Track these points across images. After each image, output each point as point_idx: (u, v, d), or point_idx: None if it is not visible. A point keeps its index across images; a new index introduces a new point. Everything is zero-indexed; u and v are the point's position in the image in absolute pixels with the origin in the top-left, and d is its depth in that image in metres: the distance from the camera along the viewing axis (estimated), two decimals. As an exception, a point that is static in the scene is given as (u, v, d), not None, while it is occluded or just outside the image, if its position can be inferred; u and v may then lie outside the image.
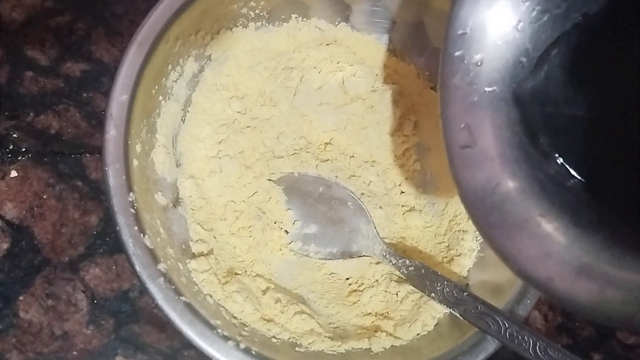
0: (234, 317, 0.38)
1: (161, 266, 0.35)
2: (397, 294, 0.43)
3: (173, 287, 0.35)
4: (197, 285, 0.39)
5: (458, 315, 0.38)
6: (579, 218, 0.27)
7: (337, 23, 0.48)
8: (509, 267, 0.27)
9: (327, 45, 0.48)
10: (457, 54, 0.28)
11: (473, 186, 0.28)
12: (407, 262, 0.41)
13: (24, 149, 0.46)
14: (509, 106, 0.28)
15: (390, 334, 0.41)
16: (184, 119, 0.44)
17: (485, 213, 0.27)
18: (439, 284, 0.39)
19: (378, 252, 0.42)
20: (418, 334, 0.41)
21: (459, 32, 0.28)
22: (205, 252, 0.41)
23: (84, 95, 0.48)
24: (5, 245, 0.43)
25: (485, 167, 0.27)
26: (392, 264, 0.41)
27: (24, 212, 0.44)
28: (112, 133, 0.36)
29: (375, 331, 0.41)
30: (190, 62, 0.44)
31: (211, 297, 0.39)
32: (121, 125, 0.36)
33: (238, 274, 0.41)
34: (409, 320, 0.42)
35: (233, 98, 0.45)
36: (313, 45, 0.47)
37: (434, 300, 0.39)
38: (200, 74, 0.45)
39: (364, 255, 0.43)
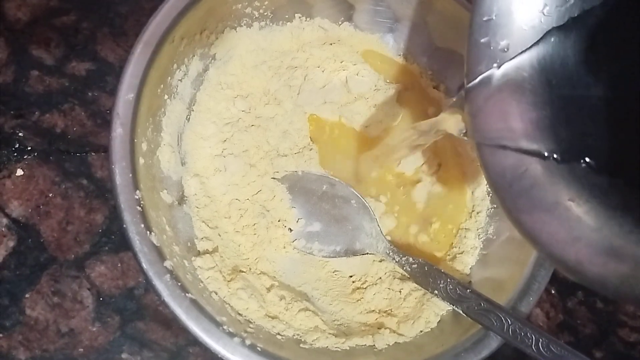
0: (239, 314, 0.39)
1: (167, 263, 0.36)
2: (400, 291, 0.43)
3: (179, 284, 0.35)
4: (202, 282, 0.39)
5: (461, 312, 0.38)
6: (608, 201, 0.26)
7: (340, 22, 0.49)
8: (538, 251, 0.27)
9: (331, 44, 0.48)
10: (482, 40, 0.28)
11: (501, 171, 0.27)
12: (411, 259, 0.41)
13: (29, 148, 0.46)
14: (536, 90, 0.27)
15: (394, 331, 0.41)
16: (189, 118, 0.44)
17: (513, 197, 0.27)
18: (442, 281, 0.39)
19: (381, 250, 0.42)
20: (421, 331, 0.41)
21: (484, 18, 0.27)
22: (210, 249, 0.41)
23: (89, 94, 0.48)
24: (11, 243, 0.44)
25: (513, 152, 0.27)
26: (396, 262, 0.42)
27: (30, 211, 0.45)
28: (119, 131, 0.36)
29: (378, 328, 0.42)
30: (195, 61, 0.44)
31: (216, 294, 0.39)
32: (127, 124, 0.37)
33: (243, 272, 0.42)
34: (412, 317, 0.42)
35: (237, 97, 0.46)
36: (317, 44, 0.48)
37: (437, 297, 0.40)
38: (205, 73, 0.45)
39: (367, 253, 0.43)
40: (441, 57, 0.48)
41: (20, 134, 0.46)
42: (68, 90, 0.48)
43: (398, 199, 0.46)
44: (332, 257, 0.43)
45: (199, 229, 0.42)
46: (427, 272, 0.40)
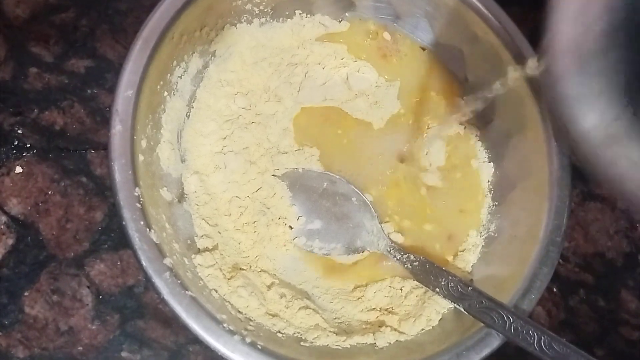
0: (240, 312, 0.38)
1: (167, 261, 0.35)
2: (401, 289, 0.43)
3: (179, 281, 0.35)
4: (202, 280, 0.39)
5: (462, 310, 0.38)
6: None
7: (341, 19, 0.48)
8: (627, 203, 0.30)
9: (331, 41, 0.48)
10: None
11: (583, 125, 0.29)
12: (412, 257, 0.41)
13: (28, 145, 0.46)
14: (622, 47, 0.28)
15: (395, 329, 0.41)
16: (189, 115, 0.44)
17: (598, 151, 0.29)
18: (443, 279, 0.39)
19: (382, 248, 0.42)
20: (422, 329, 0.41)
21: None
22: (210, 247, 0.41)
23: (89, 91, 0.48)
24: (10, 241, 0.44)
25: (596, 107, 0.29)
26: (397, 259, 0.42)
27: (29, 208, 0.44)
28: (118, 128, 0.36)
29: (379, 326, 0.41)
30: (194, 58, 0.44)
31: (217, 292, 0.39)
32: (127, 121, 0.37)
33: (243, 269, 0.41)
34: (414, 315, 0.42)
35: (237, 94, 0.45)
36: (317, 41, 0.48)
37: (439, 295, 0.39)
38: (205, 70, 0.45)
39: (368, 251, 0.43)
40: (442, 54, 0.48)
41: (19, 132, 0.46)
42: (67, 88, 0.48)
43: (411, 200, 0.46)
44: (333, 254, 0.43)
45: (199, 227, 0.42)
46: (429, 270, 0.40)
